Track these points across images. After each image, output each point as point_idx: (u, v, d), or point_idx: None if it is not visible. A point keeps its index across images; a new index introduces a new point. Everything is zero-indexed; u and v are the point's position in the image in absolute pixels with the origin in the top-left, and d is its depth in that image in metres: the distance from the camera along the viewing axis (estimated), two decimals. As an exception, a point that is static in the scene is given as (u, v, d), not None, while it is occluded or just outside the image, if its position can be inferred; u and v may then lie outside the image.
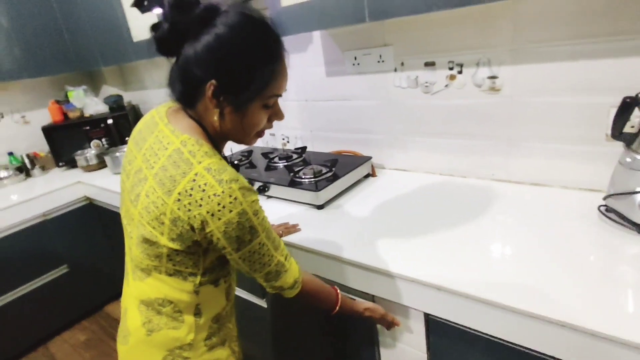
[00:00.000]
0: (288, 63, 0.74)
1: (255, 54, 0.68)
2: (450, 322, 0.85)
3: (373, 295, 0.98)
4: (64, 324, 2.31)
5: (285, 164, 1.55)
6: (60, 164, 2.42)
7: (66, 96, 2.49)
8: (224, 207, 0.64)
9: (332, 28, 1.44)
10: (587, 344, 0.67)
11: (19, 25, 2.11)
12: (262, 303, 1.28)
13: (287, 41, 0.74)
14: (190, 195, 0.64)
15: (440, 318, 0.87)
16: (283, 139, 1.87)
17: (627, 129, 0.92)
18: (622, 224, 0.91)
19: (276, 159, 1.61)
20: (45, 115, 2.48)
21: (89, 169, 2.30)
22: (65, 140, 2.37)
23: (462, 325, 0.84)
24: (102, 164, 2.30)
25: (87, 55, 2.23)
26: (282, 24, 0.84)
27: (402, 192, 1.30)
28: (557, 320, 0.68)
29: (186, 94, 0.72)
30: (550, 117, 1.11)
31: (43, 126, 2.35)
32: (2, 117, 2.39)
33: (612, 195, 0.93)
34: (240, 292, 1.31)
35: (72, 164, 2.40)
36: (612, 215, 0.94)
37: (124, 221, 0.80)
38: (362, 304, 0.93)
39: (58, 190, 2.10)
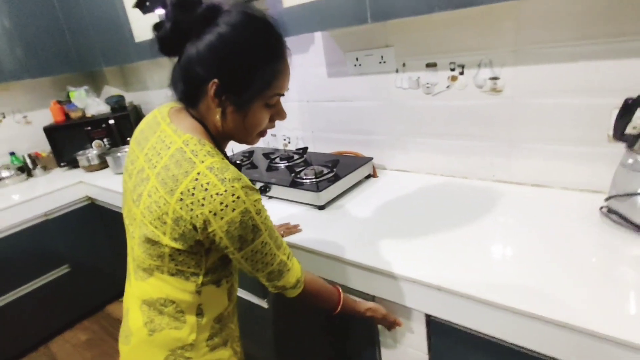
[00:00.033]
0: (291, 62, 0.74)
1: (258, 53, 0.68)
2: (452, 323, 0.85)
3: (374, 296, 0.98)
4: (65, 324, 2.31)
5: (287, 164, 1.55)
6: (62, 164, 2.42)
7: (68, 96, 2.49)
8: (226, 206, 0.64)
9: (334, 29, 1.44)
10: (588, 345, 0.67)
11: (21, 26, 2.12)
12: (263, 303, 1.28)
13: (289, 42, 0.74)
14: (193, 194, 0.64)
15: (442, 319, 0.87)
16: (284, 140, 1.87)
17: (629, 130, 0.91)
18: (623, 225, 0.91)
19: (277, 160, 1.61)
20: (47, 116, 2.48)
21: (90, 169, 2.30)
22: (67, 141, 2.38)
23: (463, 326, 0.84)
24: (103, 164, 2.30)
25: (89, 56, 2.24)
26: (283, 24, 0.84)
27: (403, 193, 1.30)
28: (558, 321, 0.68)
29: (188, 94, 0.72)
30: (551, 118, 1.11)
31: (45, 126, 2.36)
32: (4, 117, 2.40)
33: (614, 196, 0.93)
34: (240, 293, 1.31)
35: (73, 164, 2.40)
36: (613, 216, 0.94)
37: (126, 221, 0.80)
38: (364, 304, 0.93)
39: (60, 190, 2.10)
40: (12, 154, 2.35)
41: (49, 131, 2.34)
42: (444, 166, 1.38)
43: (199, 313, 0.76)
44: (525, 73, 1.11)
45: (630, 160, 0.89)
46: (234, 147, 1.86)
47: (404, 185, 1.36)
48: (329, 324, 1.15)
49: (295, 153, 1.65)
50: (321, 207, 1.27)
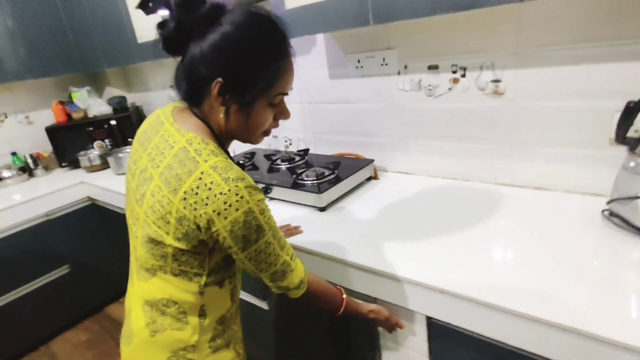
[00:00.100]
0: (295, 61, 0.74)
1: (261, 52, 0.68)
2: (452, 325, 0.85)
3: (375, 298, 0.98)
4: (66, 324, 2.31)
5: (288, 166, 1.55)
6: (63, 164, 2.43)
7: (70, 97, 2.49)
8: (230, 205, 0.64)
9: (336, 31, 1.44)
10: (590, 348, 0.67)
11: (24, 26, 2.12)
12: (264, 305, 1.28)
13: (291, 44, 0.74)
14: (197, 193, 0.64)
15: (442, 321, 0.87)
16: (285, 141, 1.87)
17: (631, 133, 0.91)
18: (625, 229, 0.91)
19: (279, 161, 1.61)
20: (48, 116, 2.49)
21: (91, 169, 2.30)
22: (69, 141, 2.38)
23: (464, 329, 0.83)
24: (105, 165, 2.30)
25: (92, 57, 2.24)
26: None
27: (404, 195, 1.30)
28: (560, 324, 0.68)
29: (192, 93, 0.72)
30: (553, 121, 1.11)
31: (47, 127, 2.36)
32: (6, 117, 2.40)
33: (616, 199, 0.93)
34: (241, 294, 1.30)
35: (75, 164, 2.41)
36: (615, 219, 0.94)
37: (129, 221, 0.80)
38: (367, 306, 0.93)
39: (61, 190, 2.10)
40: (13, 154, 2.35)
41: (51, 131, 2.35)
42: (446, 169, 1.38)
43: (202, 314, 0.76)
44: (527, 76, 1.12)
45: (632, 164, 0.89)
46: (235, 149, 1.86)
47: (406, 188, 1.36)
48: (329, 326, 1.14)
49: (296, 155, 1.65)
50: (322, 209, 1.27)
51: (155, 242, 0.70)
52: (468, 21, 1.16)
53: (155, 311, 0.75)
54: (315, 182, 1.32)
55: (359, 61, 1.46)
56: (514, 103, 1.16)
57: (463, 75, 1.23)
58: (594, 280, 0.78)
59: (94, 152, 2.34)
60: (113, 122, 2.34)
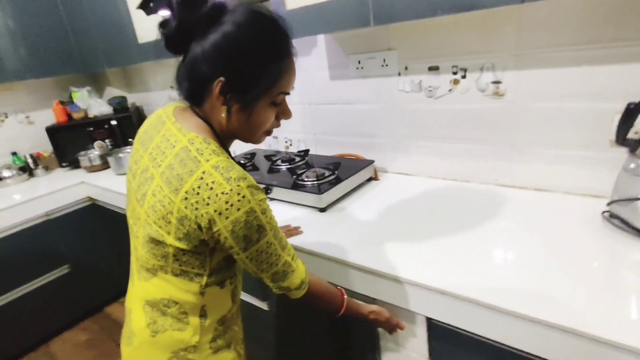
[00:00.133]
0: (297, 60, 0.74)
1: (263, 51, 0.68)
2: (453, 326, 0.85)
3: (375, 299, 0.98)
4: (65, 324, 2.31)
5: (288, 166, 1.55)
6: (64, 164, 2.43)
7: (70, 97, 2.49)
8: (231, 205, 0.64)
9: (337, 32, 1.45)
10: (590, 349, 0.67)
11: (25, 26, 2.12)
12: (264, 306, 1.28)
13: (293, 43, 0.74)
14: (198, 193, 0.64)
15: (443, 322, 0.87)
16: (286, 142, 1.87)
17: (631, 135, 0.92)
18: (625, 230, 0.91)
19: (279, 162, 1.61)
20: (49, 116, 2.49)
21: (92, 169, 2.30)
22: (69, 141, 2.38)
23: (464, 330, 0.83)
24: (105, 165, 2.30)
25: (92, 57, 2.24)
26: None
27: (404, 196, 1.30)
28: (560, 325, 0.68)
29: (193, 92, 0.72)
30: (553, 123, 1.11)
31: (47, 126, 2.36)
32: (7, 117, 2.40)
33: (616, 201, 0.93)
34: (241, 295, 1.30)
35: (75, 164, 2.41)
36: (615, 221, 0.94)
37: (130, 221, 0.80)
38: (367, 307, 0.92)
39: (61, 190, 2.10)
40: (14, 153, 2.35)
41: (51, 131, 2.35)
42: (446, 170, 1.38)
43: (203, 314, 0.76)
44: (528, 77, 1.12)
45: (633, 165, 0.89)
46: (235, 149, 1.86)
47: (406, 189, 1.36)
48: (329, 327, 1.14)
49: (296, 155, 1.65)
50: (322, 210, 1.27)
51: (156, 242, 0.70)
52: (469, 22, 1.17)
53: (156, 311, 0.75)
54: (315, 182, 1.32)
55: (359, 62, 1.46)
56: (515, 104, 1.16)
57: (463, 77, 1.23)
58: (594, 282, 0.78)
59: (94, 152, 2.33)
60: (113, 122, 2.34)
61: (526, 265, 0.86)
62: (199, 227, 0.66)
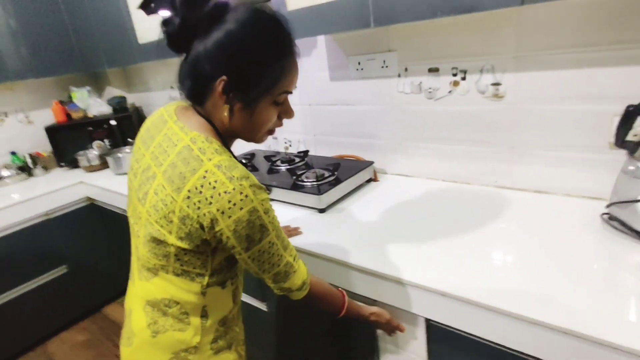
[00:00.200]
0: (299, 59, 0.74)
1: (266, 50, 0.68)
2: (452, 328, 0.85)
3: (375, 300, 0.98)
4: (63, 324, 2.30)
5: (288, 167, 1.55)
6: (62, 164, 2.43)
7: (70, 97, 2.49)
8: (234, 204, 0.63)
9: (337, 33, 1.45)
10: (589, 351, 0.67)
11: (26, 26, 2.12)
12: (263, 306, 1.28)
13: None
14: (200, 192, 0.64)
15: (442, 324, 0.87)
16: (285, 143, 1.87)
17: (630, 137, 0.92)
18: (625, 232, 0.91)
19: (278, 162, 1.61)
20: (48, 116, 2.49)
21: (90, 169, 2.30)
22: (68, 141, 2.38)
23: (463, 332, 0.83)
24: (104, 165, 2.30)
25: (93, 57, 2.24)
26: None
27: (404, 198, 1.30)
28: (560, 327, 0.68)
29: (195, 91, 0.72)
30: (553, 125, 1.12)
31: (46, 126, 2.36)
32: (7, 116, 2.40)
33: (615, 203, 0.93)
34: (241, 295, 1.30)
35: (73, 164, 2.40)
36: (614, 223, 0.94)
37: (131, 220, 0.80)
38: (368, 308, 0.92)
39: (60, 190, 2.10)
40: (13, 153, 2.35)
41: (51, 131, 2.35)
42: (446, 171, 1.39)
43: (204, 315, 0.76)
44: (527, 79, 1.12)
45: (632, 167, 0.90)
46: (235, 150, 1.86)
47: (405, 190, 1.36)
48: (329, 328, 1.14)
49: (296, 156, 1.65)
50: (322, 210, 1.27)
51: (157, 242, 0.70)
52: (468, 24, 1.17)
53: (157, 311, 0.75)
54: (315, 183, 1.32)
55: (359, 63, 1.46)
56: (514, 106, 1.17)
57: (463, 78, 1.24)
58: (594, 283, 0.78)
59: (93, 152, 2.33)
60: (113, 122, 2.34)
61: (526, 267, 0.86)
62: (201, 226, 0.66)
